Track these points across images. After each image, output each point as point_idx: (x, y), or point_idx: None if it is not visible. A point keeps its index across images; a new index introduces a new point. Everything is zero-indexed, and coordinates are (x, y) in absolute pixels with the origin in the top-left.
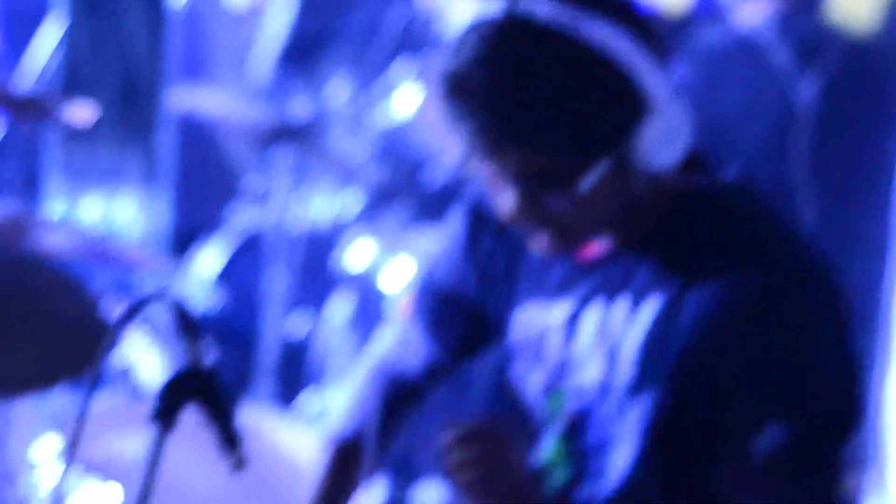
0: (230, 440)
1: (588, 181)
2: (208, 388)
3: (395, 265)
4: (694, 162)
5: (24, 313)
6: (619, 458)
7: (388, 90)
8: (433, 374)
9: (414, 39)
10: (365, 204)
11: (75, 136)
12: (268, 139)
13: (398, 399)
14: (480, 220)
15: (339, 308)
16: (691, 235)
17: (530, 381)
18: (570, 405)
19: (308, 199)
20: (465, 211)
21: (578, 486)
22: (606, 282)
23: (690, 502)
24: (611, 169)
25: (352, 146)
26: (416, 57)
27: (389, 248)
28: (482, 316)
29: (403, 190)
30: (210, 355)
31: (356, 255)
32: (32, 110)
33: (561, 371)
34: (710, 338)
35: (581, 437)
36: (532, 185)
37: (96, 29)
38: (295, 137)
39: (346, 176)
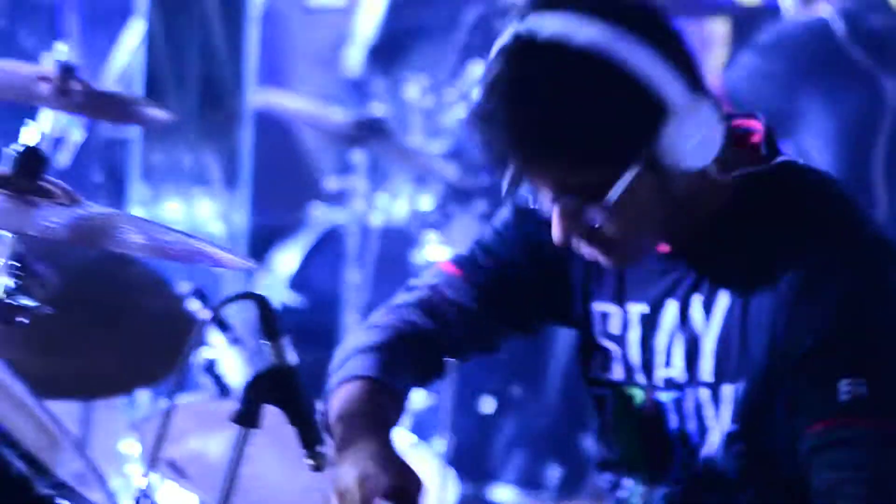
0: (312, 440)
1: (619, 191)
2: (290, 387)
3: None
4: (758, 146)
5: (113, 313)
6: (706, 446)
7: (464, 88)
8: (472, 337)
9: (490, 37)
10: (441, 202)
11: (156, 136)
12: (346, 138)
13: (426, 354)
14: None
15: None
16: (757, 221)
17: (611, 375)
18: (651, 398)
19: (386, 197)
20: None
21: (659, 476)
22: (680, 279)
23: (774, 481)
24: (642, 176)
25: (428, 144)
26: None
27: (465, 245)
28: (543, 303)
29: (479, 188)
30: (292, 355)
31: (433, 252)
32: (114, 112)
33: (641, 366)
34: (791, 320)
35: (662, 429)
36: (569, 202)
37: (176, 29)
38: (373, 136)
39: (423, 174)
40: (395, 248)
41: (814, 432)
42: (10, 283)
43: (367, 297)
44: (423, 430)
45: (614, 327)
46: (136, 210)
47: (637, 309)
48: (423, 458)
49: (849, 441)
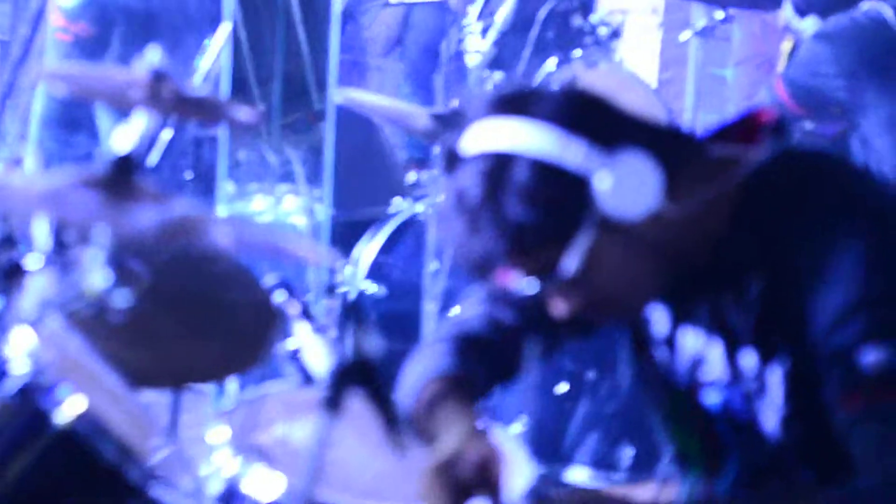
0: (394, 426)
1: (574, 262)
2: (374, 375)
3: None
4: (769, 131)
5: (202, 306)
6: (763, 435)
7: (537, 83)
8: (533, 341)
9: (563, 31)
10: None
11: (242, 135)
12: (425, 132)
13: (492, 360)
14: None
15: None
16: (767, 211)
17: (660, 377)
18: (696, 400)
19: None
20: None
21: (718, 469)
22: (709, 282)
23: (833, 460)
24: (596, 240)
25: None
26: (564, 51)
27: None
28: None
29: None
30: (375, 344)
31: None
32: (204, 114)
33: (687, 369)
34: (816, 293)
35: (712, 428)
36: (550, 284)
37: (260, 31)
38: (452, 129)
39: None
40: None
41: (846, 406)
42: (104, 280)
43: (445, 286)
44: (499, 412)
45: (660, 328)
46: (224, 206)
47: (678, 311)
48: (501, 439)
49: (880, 416)
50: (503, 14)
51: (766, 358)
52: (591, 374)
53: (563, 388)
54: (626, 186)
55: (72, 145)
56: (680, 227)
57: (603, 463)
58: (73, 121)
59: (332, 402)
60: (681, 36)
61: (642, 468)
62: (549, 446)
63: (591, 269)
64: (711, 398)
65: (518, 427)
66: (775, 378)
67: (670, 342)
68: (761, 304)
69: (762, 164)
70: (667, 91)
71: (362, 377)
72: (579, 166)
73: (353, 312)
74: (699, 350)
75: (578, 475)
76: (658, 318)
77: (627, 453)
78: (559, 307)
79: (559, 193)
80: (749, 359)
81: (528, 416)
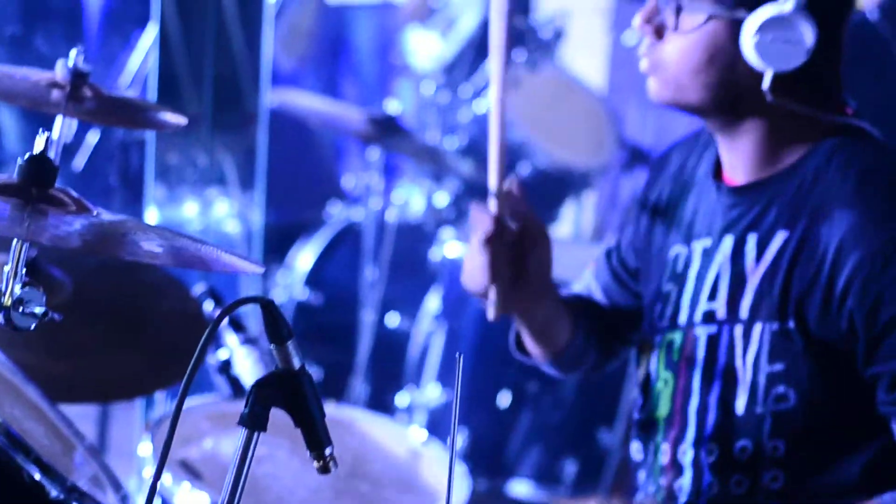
0: (318, 442)
1: (690, 22)
2: (296, 390)
3: None
4: (840, 108)
5: (128, 316)
6: (738, 389)
7: (479, 85)
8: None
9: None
10: (457, 198)
11: (171, 137)
12: (362, 136)
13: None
14: (657, 175)
15: (433, 301)
16: (830, 172)
17: (665, 322)
18: (689, 336)
19: (402, 193)
20: (649, 172)
21: (686, 426)
22: (742, 215)
23: (805, 432)
24: (720, 22)
25: (443, 140)
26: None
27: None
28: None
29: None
30: (298, 358)
31: (449, 248)
32: (127, 118)
33: (691, 300)
34: (848, 264)
35: (691, 371)
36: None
37: (192, 30)
38: (388, 133)
39: (438, 170)
40: (411, 244)
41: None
42: (18, 290)
43: (383, 294)
44: (439, 426)
45: (680, 266)
46: (153, 211)
47: (701, 245)
48: (439, 453)
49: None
50: (468, 22)
51: (760, 308)
52: (533, 386)
53: (503, 399)
54: (781, 37)
55: None
56: (746, 91)
57: (545, 476)
58: None
59: (254, 418)
60: (627, 38)
61: (586, 483)
62: (489, 459)
63: (689, 27)
64: (700, 331)
65: (458, 440)
66: (757, 332)
67: (683, 277)
68: (780, 254)
69: (840, 131)
70: (615, 97)
71: (285, 392)
72: None
73: (277, 325)
74: (710, 279)
75: (520, 489)
76: (681, 254)
77: (571, 467)
78: (643, 13)
79: None
80: (747, 303)
81: (467, 428)
